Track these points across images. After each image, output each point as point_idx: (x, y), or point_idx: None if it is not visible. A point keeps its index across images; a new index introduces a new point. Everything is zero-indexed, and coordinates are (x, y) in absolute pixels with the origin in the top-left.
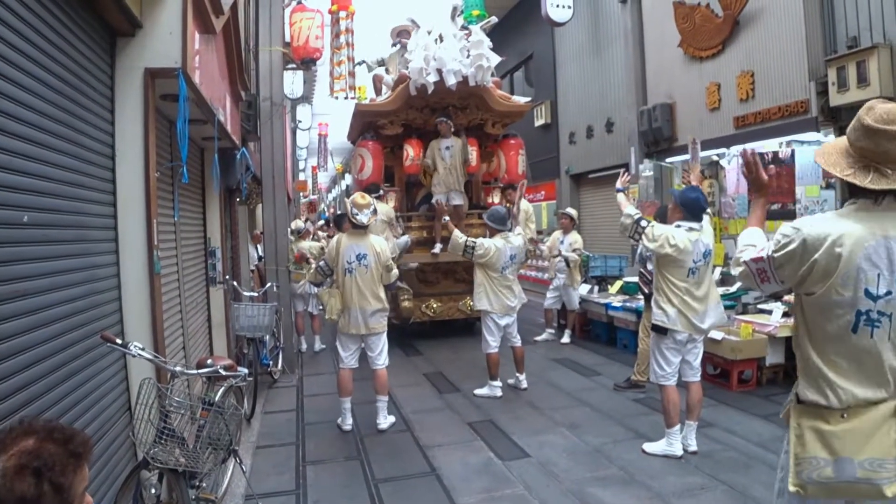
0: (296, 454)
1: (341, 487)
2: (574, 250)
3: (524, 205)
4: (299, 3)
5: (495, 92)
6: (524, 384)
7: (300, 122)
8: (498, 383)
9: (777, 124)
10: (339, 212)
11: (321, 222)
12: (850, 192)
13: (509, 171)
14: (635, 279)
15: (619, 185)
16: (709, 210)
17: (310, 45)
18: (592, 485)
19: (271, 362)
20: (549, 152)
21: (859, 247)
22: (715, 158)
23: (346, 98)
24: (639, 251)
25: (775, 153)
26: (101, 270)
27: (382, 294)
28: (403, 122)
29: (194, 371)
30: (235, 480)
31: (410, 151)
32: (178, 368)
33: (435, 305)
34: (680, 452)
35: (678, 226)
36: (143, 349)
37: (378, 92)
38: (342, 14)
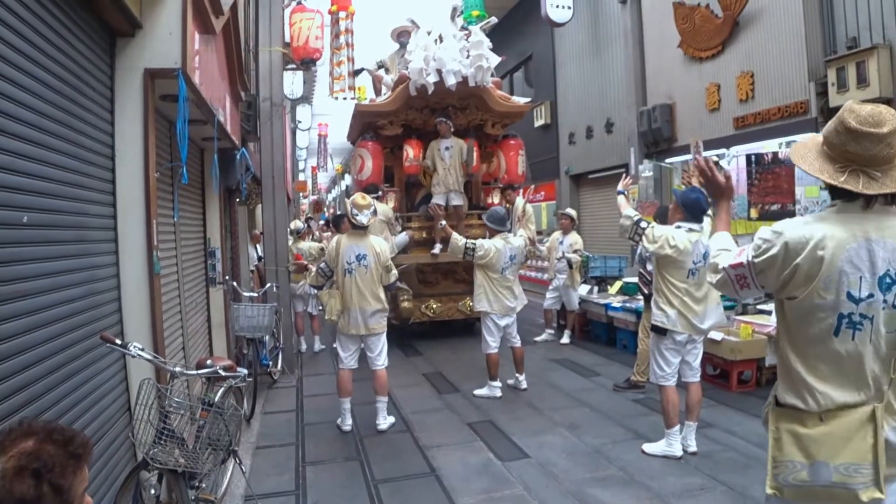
0: (295, 455)
1: (341, 488)
2: (575, 251)
3: (522, 203)
4: (299, 3)
5: (495, 92)
6: (524, 385)
7: (300, 122)
8: (497, 384)
9: (777, 125)
10: (338, 212)
11: (321, 222)
12: (831, 195)
13: (509, 171)
14: (635, 280)
15: (620, 187)
16: (710, 213)
17: (309, 45)
18: (592, 485)
19: (271, 363)
20: (548, 153)
21: (841, 249)
22: (715, 159)
23: (345, 98)
24: (638, 252)
25: (775, 153)
26: (101, 271)
27: (382, 294)
28: (403, 123)
29: (194, 372)
30: (235, 481)
31: (410, 152)
32: (177, 369)
33: (435, 306)
34: (679, 453)
35: (678, 226)
36: (142, 350)
37: (378, 92)
38: (342, 14)
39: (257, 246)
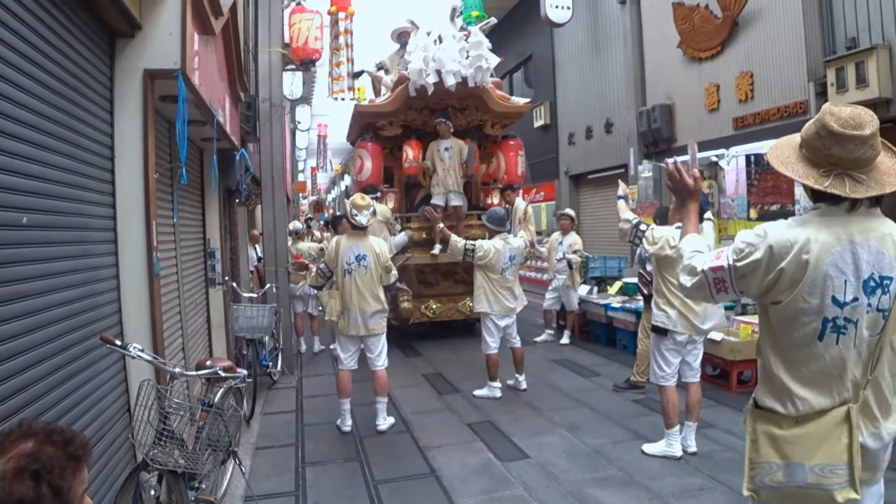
0: (295, 455)
1: (341, 489)
2: (574, 251)
3: (523, 205)
4: (298, 3)
5: (494, 93)
6: (523, 385)
7: (299, 122)
8: (497, 384)
9: (776, 125)
10: (338, 212)
11: (321, 223)
12: (814, 198)
13: (508, 171)
14: (634, 280)
15: (620, 192)
16: (709, 214)
17: (309, 46)
18: (592, 486)
19: (270, 363)
20: (548, 153)
21: (826, 253)
22: (714, 159)
23: (344, 99)
24: (638, 252)
25: None
26: (101, 272)
27: (382, 295)
28: (403, 123)
29: (193, 372)
30: (235, 482)
31: (410, 152)
32: (177, 370)
33: (434, 306)
34: (679, 453)
35: (678, 227)
36: (142, 350)
37: (377, 93)
38: (341, 15)
39: (257, 246)
